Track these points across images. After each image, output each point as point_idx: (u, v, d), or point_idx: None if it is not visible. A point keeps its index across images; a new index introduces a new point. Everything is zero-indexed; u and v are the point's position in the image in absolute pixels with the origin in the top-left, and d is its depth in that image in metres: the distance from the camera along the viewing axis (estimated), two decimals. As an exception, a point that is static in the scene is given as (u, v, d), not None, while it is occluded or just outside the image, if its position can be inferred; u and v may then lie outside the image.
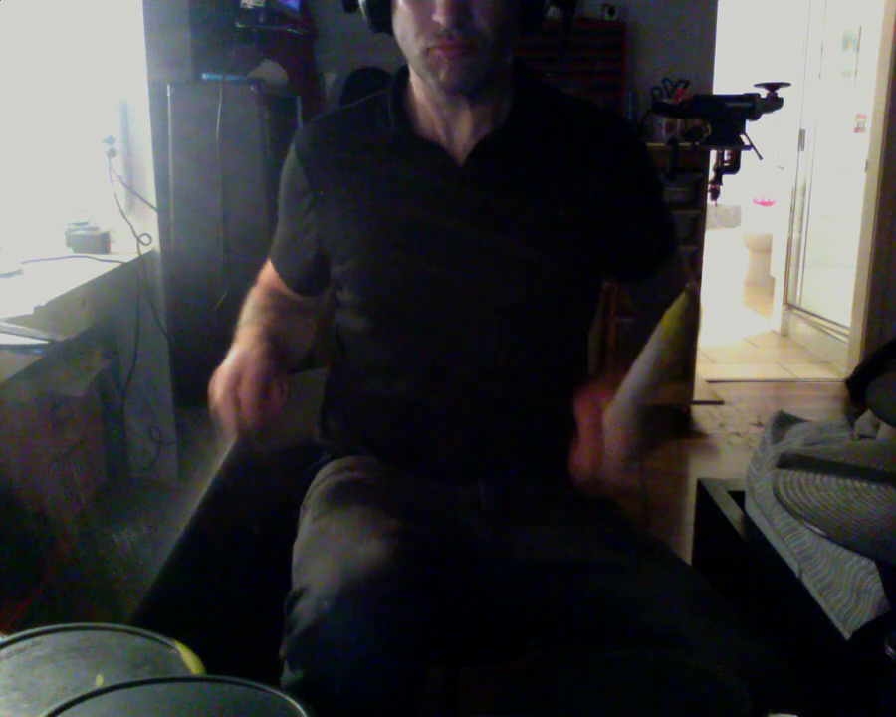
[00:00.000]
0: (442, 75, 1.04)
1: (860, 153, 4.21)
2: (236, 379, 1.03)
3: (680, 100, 3.46)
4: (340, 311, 1.22)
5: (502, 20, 1.02)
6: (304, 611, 0.91)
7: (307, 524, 1.11)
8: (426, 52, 1.03)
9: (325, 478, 1.20)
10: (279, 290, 1.29)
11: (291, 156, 1.20)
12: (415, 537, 1.02)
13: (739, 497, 2.00)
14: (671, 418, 3.65)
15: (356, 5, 1.10)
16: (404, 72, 1.15)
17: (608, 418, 0.99)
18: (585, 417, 1.00)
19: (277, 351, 1.10)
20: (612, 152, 1.16)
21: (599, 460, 0.98)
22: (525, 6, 1.06)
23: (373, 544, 0.95)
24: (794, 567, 1.68)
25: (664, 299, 1.22)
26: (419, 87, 1.12)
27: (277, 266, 1.29)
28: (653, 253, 1.24)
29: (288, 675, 0.92)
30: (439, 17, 1.00)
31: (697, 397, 3.73)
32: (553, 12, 1.12)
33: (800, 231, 5.01)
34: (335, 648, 0.88)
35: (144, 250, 2.13)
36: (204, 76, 2.17)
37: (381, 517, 1.03)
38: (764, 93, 2.96)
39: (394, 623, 0.90)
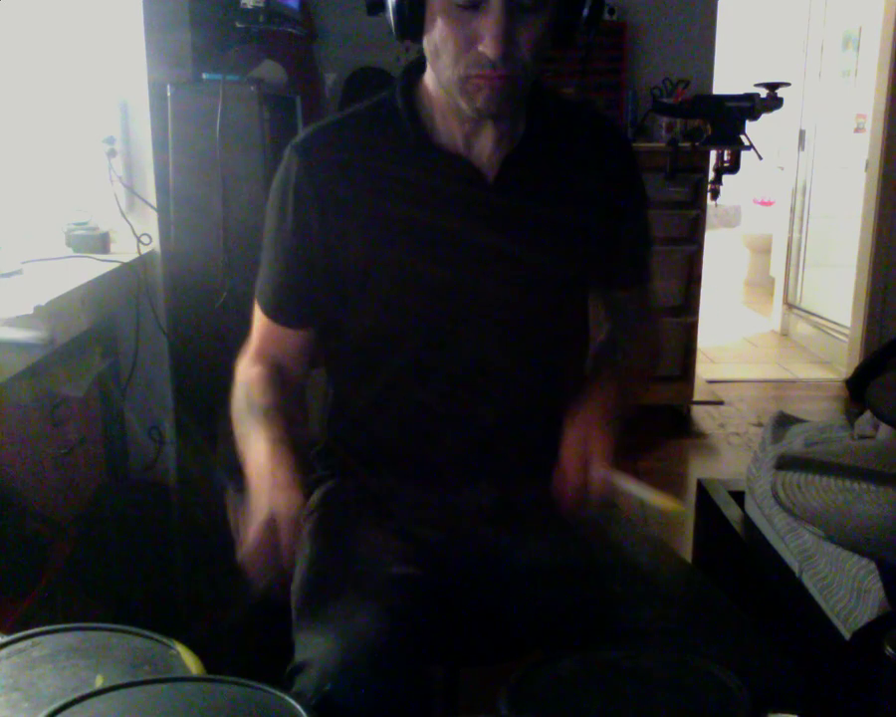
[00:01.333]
0: (479, 102, 1.01)
1: (860, 153, 4.21)
2: (271, 526, 0.94)
3: (680, 100, 3.46)
4: (354, 321, 1.17)
5: (541, 49, 1.01)
6: (305, 692, 0.90)
7: (303, 568, 1.07)
8: (465, 79, 1.00)
9: (320, 504, 1.19)
10: (269, 379, 1.14)
11: (293, 166, 1.10)
12: (415, 578, 1.01)
13: (739, 497, 2.00)
14: (661, 419, 3.65)
15: (381, 9, 1.05)
16: (411, 74, 1.12)
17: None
18: (570, 448, 1.04)
19: (297, 469, 1.00)
20: (610, 161, 1.17)
21: (581, 491, 1.02)
22: (557, 29, 1.03)
23: (371, 611, 0.94)
24: (794, 567, 1.68)
25: (634, 311, 1.26)
26: (440, 98, 1.09)
27: (274, 309, 1.17)
28: (634, 266, 1.25)
29: None
30: (487, 49, 0.97)
31: (697, 397, 3.73)
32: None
33: (800, 231, 5.01)
34: None
35: (144, 250, 2.13)
36: (204, 76, 2.16)
37: (379, 565, 1.02)
38: (764, 93, 2.96)
39: (397, 699, 0.90)
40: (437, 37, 1.00)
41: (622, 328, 1.26)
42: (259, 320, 1.19)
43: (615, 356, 1.24)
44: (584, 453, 1.03)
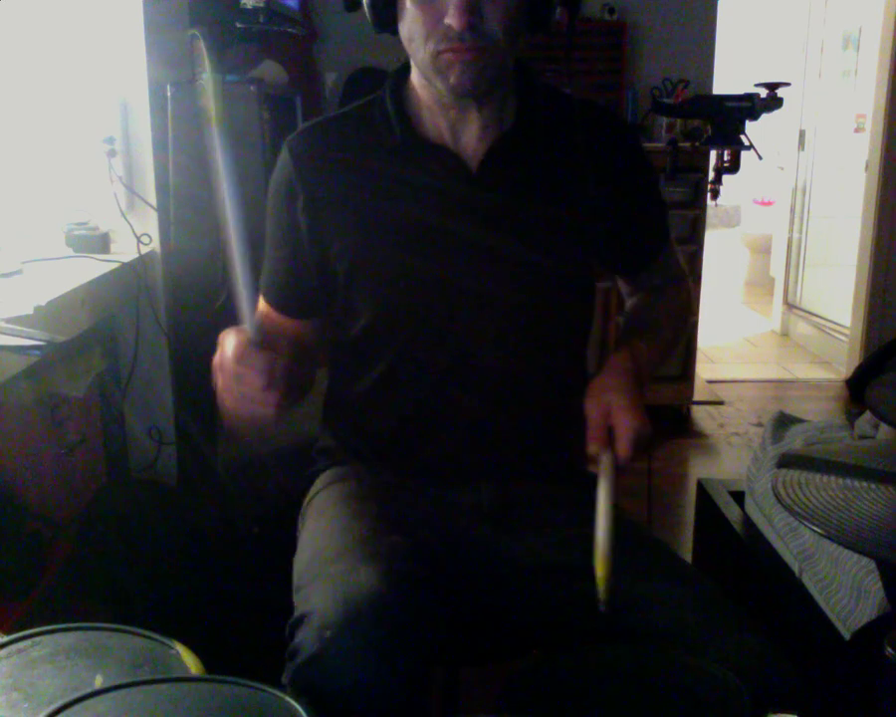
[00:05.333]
0: (453, 78, 1.02)
1: (860, 153, 4.21)
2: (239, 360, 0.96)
3: (680, 100, 3.46)
4: (345, 316, 1.19)
5: (512, 22, 1.01)
6: (305, 640, 0.91)
7: (305, 540, 1.10)
8: (436, 55, 1.01)
9: (322, 487, 1.20)
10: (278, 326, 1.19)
11: (284, 163, 1.15)
12: (415, 550, 1.02)
13: (739, 497, 2.00)
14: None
15: (358, 5, 1.08)
16: (401, 73, 1.14)
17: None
18: (594, 411, 1.03)
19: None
20: (610, 150, 1.16)
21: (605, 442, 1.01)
22: (532, 7, 1.04)
23: (373, 567, 0.95)
24: (794, 567, 1.68)
25: (660, 283, 1.27)
26: (424, 89, 1.10)
27: (274, 299, 1.20)
28: (650, 246, 1.26)
29: None
30: (451, 20, 0.98)
31: (697, 397, 3.73)
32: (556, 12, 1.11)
33: (800, 231, 5.01)
34: (338, 677, 0.88)
35: (144, 250, 2.13)
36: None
37: (380, 534, 1.03)
38: (764, 93, 2.96)
39: (397, 650, 0.90)
40: (408, 20, 1.02)
41: (648, 293, 1.28)
42: (262, 302, 1.22)
43: (643, 315, 1.25)
44: (609, 404, 1.02)
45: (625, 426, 1.01)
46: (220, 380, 0.99)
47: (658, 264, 1.26)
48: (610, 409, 1.02)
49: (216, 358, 1.00)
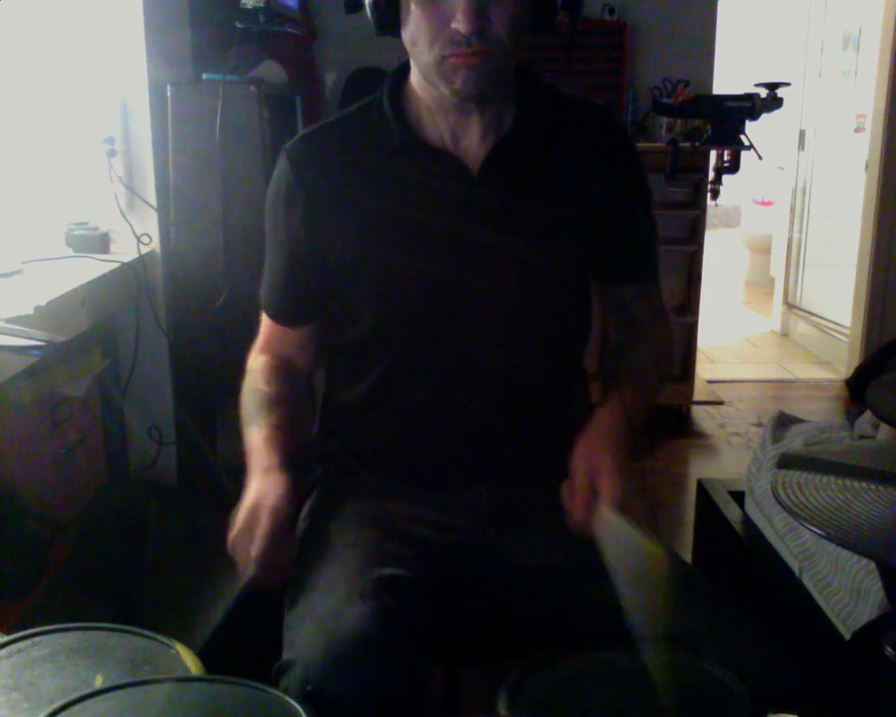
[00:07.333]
0: (458, 83, 1.01)
1: (860, 153, 4.21)
2: (254, 518, 1.01)
3: (680, 100, 3.46)
4: (345, 319, 1.19)
5: (517, 25, 1.01)
6: (289, 690, 0.90)
7: (297, 569, 1.08)
8: (441, 60, 1.01)
9: (319, 503, 1.19)
10: (274, 369, 1.20)
11: (283, 170, 1.14)
12: (406, 579, 1.01)
13: (739, 497, 2.00)
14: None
15: (360, 7, 1.07)
16: (399, 75, 1.13)
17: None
18: (580, 468, 1.04)
19: (291, 455, 1.08)
20: (609, 152, 1.16)
21: (591, 508, 1.02)
22: (536, 9, 1.04)
23: (357, 609, 0.94)
24: (794, 567, 1.68)
25: (643, 318, 1.24)
26: (424, 91, 1.10)
27: (274, 307, 1.22)
28: (636, 259, 1.23)
29: None
30: (459, 25, 0.97)
31: (697, 397, 3.73)
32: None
33: (800, 231, 5.01)
34: None
35: (144, 250, 2.14)
36: (204, 76, 2.16)
37: (371, 566, 1.02)
38: (764, 93, 2.96)
39: (379, 695, 0.90)
40: (412, 24, 1.01)
41: (631, 331, 1.25)
42: (264, 317, 1.24)
43: (625, 363, 1.23)
44: (592, 483, 1.03)
45: (608, 488, 1.02)
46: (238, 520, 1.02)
47: (644, 288, 1.24)
48: (595, 471, 1.03)
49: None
